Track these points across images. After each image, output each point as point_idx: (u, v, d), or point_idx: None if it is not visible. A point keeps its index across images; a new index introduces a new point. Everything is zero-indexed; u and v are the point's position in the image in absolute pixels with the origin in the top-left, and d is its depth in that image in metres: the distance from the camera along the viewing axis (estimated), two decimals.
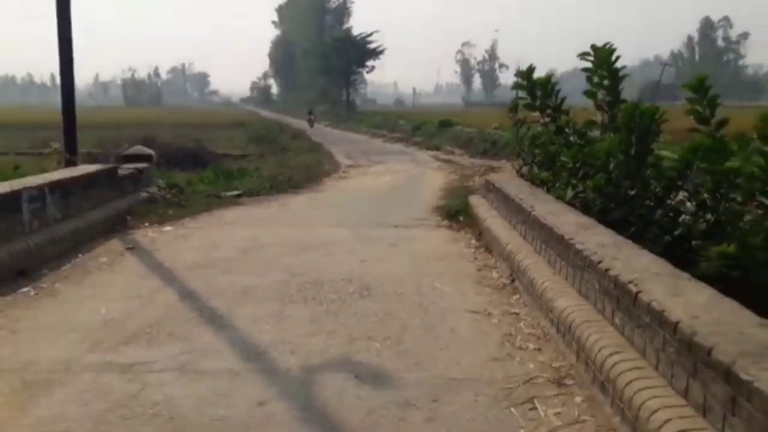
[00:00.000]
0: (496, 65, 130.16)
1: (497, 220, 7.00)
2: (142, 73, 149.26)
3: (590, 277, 4.03)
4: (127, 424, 3.10)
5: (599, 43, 6.68)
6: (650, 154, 6.17)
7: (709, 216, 5.75)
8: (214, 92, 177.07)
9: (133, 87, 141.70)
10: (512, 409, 3.28)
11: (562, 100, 7.70)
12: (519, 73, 8.10)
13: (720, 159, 5.53)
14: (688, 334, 2.71)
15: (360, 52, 66.08)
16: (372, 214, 9.08)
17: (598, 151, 6.63)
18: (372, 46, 67.03)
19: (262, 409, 3.27)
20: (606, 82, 6.88)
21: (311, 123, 39.95)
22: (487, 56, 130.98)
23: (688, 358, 2.70)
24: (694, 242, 5.63)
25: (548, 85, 7.70)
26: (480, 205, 8.01)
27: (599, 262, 3.85)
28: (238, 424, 3.12)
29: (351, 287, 5.41)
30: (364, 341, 4.20)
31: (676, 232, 5.87)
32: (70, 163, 8.31)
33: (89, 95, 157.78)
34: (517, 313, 4.75)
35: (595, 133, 7.32)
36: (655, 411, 2.73)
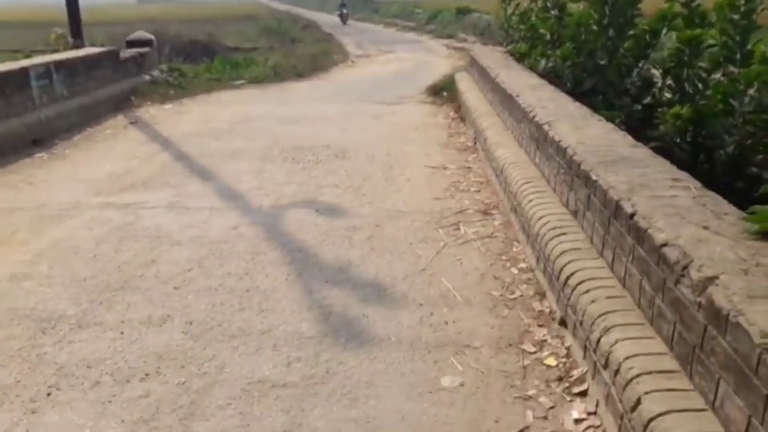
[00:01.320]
0: None
1: (473, 92, 7.42)
2: None
3: (524, 127, 4.55)
4: (122, 241, 3.83)
5: None
6: (633, 28, 6.33)
7: (671, 83, 6.01)
8: None
9: None
10: (439, 229, 3.93)
11: None
12: None
13: (691, 28, 5.73)
14: (570, 155, 3.26)
15: None
16: (365, 95, 9.47)
17: (570, 22, 6.90)
18: None
19: (234, 231, 3.98)
20: None
21: (344, 18, 31.76)
22: None
23: (569, 174, 3.28)
24: (660, 110, 5.97)
25: None
26: (462, 80, 8.39)
27: (530, 112, 4.35)
28: (213, 240, 3.83)
29: (329, 151, 6.00)
30: (329, 188, 4.85)
31: (645, 101, 6.20)
32: (76, 47, 8.78)
33: None
34: (470, 167, 5.33)
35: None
36: (541, 218, 3.34)
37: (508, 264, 3.41)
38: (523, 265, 3.37)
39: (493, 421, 2.18)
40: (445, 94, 8.69)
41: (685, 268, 1.96)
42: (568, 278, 2.72)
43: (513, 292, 3.09)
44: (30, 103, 6.38)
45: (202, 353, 2.61)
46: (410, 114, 7.81)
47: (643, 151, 3.17)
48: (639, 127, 5.56)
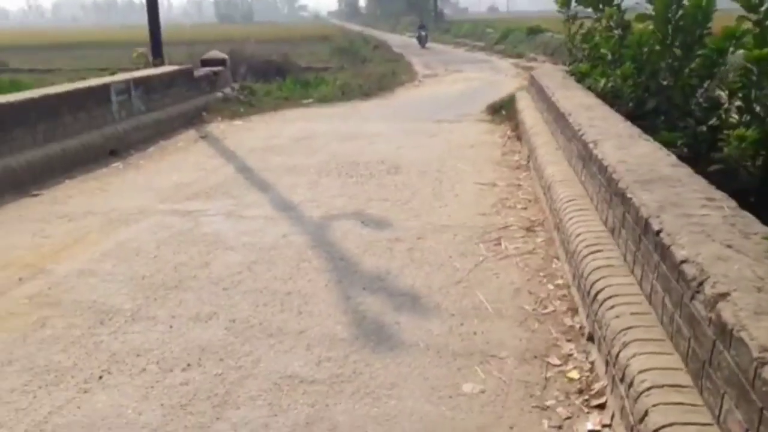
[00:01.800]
0: None
1: (531, 110, 7.43)
2: None
3: (574, 146, 4.55)
4: (181, 244, 4.11)
5: None
6: (702, 47, 6.18)
7: (740, 104, 5.82)
8: (304, 7, 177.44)
9: (225, 4, 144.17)
10: (480, 244, 4.00)
11: None
12: None
13: (761, 47, 5.55)
14: (610, 173, 3.28)
15: None
16: (426, 114, 9.59)
17: (631, 41, 6.82)
18: None
19: (284, 239, 4.19)
20: None
21: (422, 41, 29.89)
22: None
23: (608, 192, 3.29)
24: (726, 132, 5.80)
25: None
26: (522, 99, 8.40)
27: (578, 130, 4.36)
28: (264, 246, 4.05)
29: (382, 167, 6.17)
30: (378, 201, 5.00)
31: (710, 122, 6.03)
32: (155, 65, 9.40)
33: (184, 13, 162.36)
34: (520, 185, 5.35)
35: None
36: (579, 235, 3.36)
37: (545, 280, 3.44)
38: (559, 281, 3.40)
39: (507, 427, 2.24)
40: (503, 112, 8.72)
41: (700, 284, 1.97)
42: (597, 294, 2.73)
43: (546, 307, 3.12)
44: (110, 116, 6.91)
45: (240, 348, 2.79)
46: (467, 132, 7.89)
47: (683, 171, 3.14)
48: (705, 150, 5.42)
